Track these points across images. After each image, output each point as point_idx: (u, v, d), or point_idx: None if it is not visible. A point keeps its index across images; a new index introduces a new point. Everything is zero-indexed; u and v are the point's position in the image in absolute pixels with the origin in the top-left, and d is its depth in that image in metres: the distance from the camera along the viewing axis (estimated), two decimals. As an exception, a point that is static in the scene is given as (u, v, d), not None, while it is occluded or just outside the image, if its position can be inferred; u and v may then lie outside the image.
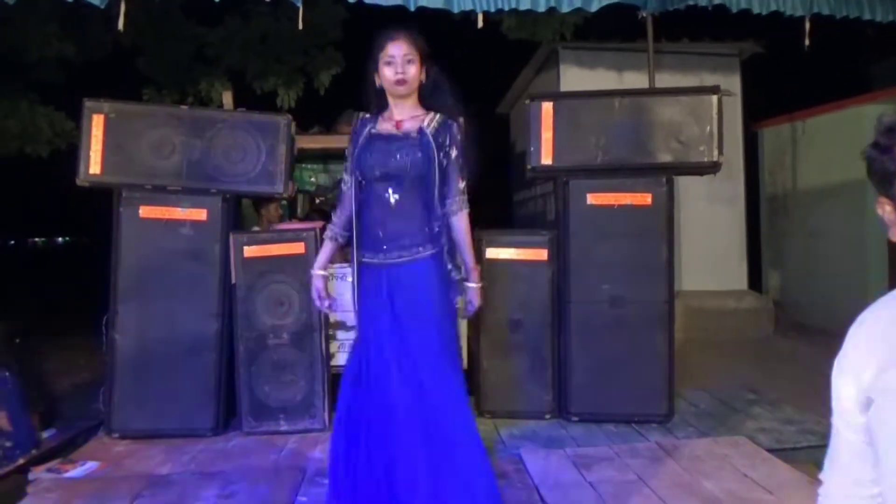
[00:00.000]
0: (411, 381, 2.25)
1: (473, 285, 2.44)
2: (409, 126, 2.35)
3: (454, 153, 2.35)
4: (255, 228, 4.68)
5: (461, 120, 2.44)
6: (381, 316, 2.31)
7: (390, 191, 2.31)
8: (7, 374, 3.54)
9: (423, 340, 2.27)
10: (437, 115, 2.38)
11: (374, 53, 2.34)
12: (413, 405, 2.24)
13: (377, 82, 2.37)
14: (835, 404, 1.14)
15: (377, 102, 2.43)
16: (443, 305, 2.33)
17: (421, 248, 2.32)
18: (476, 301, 2.47)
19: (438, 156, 2.32)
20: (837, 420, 1.14)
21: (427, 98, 2.41)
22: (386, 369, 2.27)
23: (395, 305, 2.29)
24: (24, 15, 4.58)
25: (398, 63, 2.28)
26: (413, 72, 2.31)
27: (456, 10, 3.60)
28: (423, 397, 2.24)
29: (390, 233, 2.31)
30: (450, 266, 2.36)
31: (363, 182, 2.37)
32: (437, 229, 2.34)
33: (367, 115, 2.44)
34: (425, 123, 2.35)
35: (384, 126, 2.38)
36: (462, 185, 2.37)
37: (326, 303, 2.54)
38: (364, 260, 2.37)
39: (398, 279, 2.31)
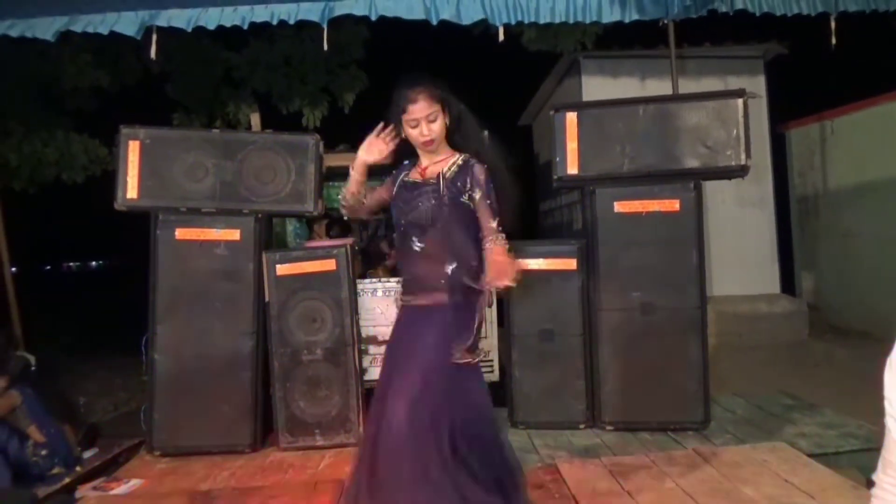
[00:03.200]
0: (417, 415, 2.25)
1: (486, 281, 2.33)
2: (432, 172, 2.42)
3: (478, 194, 2.37)
4: (310, 244, 4.64)
5: (491, 152, 2.46)
6: (400, 347, 2.41)
7: (415, 237, 2.40)
8: (29, 390, 3.65)
9: (428, 378, 2.27)
10: (460, 158, 2.42)
11: (395, 108, 2.38)
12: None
13: (403, 134, 2.42)
14: (886, 403, 1.13)
15: (409, 150, 2.49)
16: (448, 351, 2.31)
17: (436, 293, 2.35)
18: (492, 279, 2.29)
19: (458, 200, 2.36)
20: (888, 418, 1.14)
21: (453, 134, 2.45)
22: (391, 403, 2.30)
23: (412, 341, 2.36)
24: (60, 46, 4.72)
25: (422, 125, 2.35)
26: (438, 128, 2.37)
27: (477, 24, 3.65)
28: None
29: (415, 276, 2.42)
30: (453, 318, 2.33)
31: (402, 227, 2.45)
32: (453, 274, 2.34)
33: (407, 162, 2.53)
34: (444, 169, 2.40)
35: (413, 174, 2.47)
36: (493, 223, 2.36)
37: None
38: (402, 299, 2.49)
39: (418, 321, 2.38)
